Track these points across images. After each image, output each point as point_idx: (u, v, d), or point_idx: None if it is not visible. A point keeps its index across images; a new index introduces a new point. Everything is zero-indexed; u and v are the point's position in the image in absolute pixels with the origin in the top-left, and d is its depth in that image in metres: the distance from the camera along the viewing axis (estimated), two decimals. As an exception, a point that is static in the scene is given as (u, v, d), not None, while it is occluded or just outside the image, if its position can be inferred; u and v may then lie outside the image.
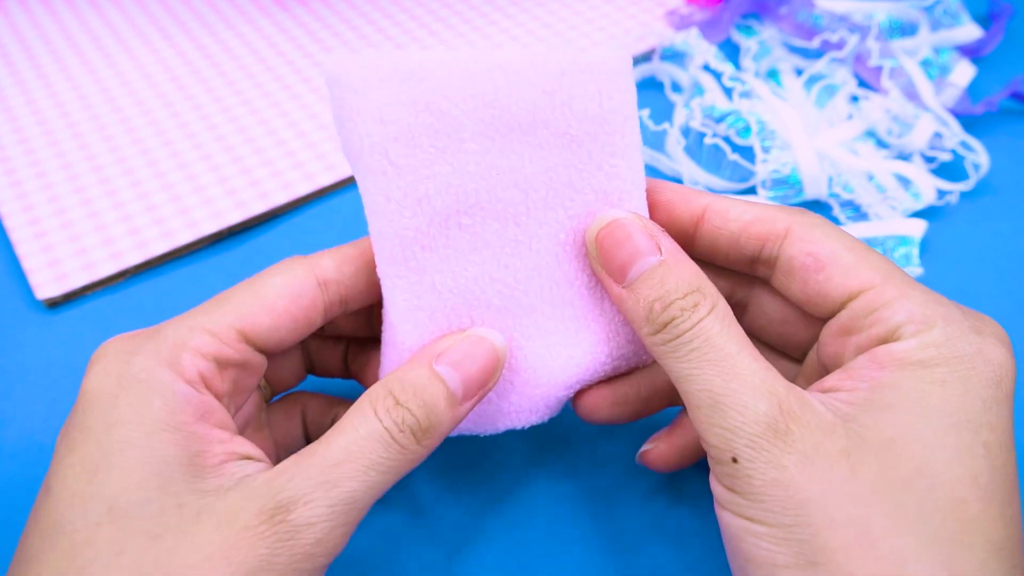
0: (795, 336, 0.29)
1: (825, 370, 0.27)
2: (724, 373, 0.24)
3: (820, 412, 0.23)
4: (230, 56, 0.51)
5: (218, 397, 0.26)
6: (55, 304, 0.39)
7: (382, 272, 0.27)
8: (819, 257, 0.26)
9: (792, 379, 0.29)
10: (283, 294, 0.26)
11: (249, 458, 0.25)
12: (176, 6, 0.55)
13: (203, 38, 0.53)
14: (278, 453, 0.30)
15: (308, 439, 0.31)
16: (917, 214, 0.44)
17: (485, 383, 0.26)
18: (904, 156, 0.46)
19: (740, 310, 0.30)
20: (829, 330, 0.27)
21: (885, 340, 0.25)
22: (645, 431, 0.32)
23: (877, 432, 0.23)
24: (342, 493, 0.23)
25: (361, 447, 0.24)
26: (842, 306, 0.26)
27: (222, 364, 0.26)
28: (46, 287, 0.38)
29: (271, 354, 0.28)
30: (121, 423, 0.24)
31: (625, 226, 0.26)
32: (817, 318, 0.28)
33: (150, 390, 0.24)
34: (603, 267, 0.27)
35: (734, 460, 0.23)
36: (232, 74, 0.50)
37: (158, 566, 0.22)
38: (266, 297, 0.26)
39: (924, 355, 0.24)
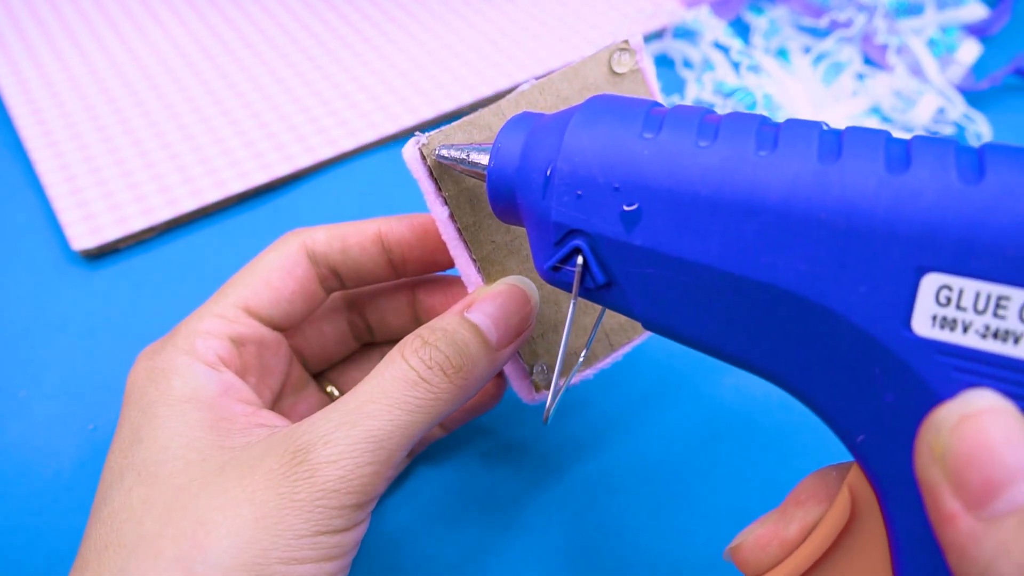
0: None
1: None
2: None
3: None
4: (256, 28, 0.53)
5: (242, 375, 0.28)
6: (91, 256, 0.41)
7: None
8: None
9: None
10: (276, 268, 0.29)
11: (276, 427, 0.26)
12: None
13: (228, 6, 0.55)
14: None
15: None
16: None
17: (520, 328, 0.27)
18: (908, 131, 0.47)
19: None
20: None
21: None
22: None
23: None
24: (363, 431, 0.23)
25: (384, 389, 0.24)
26: None
27: (237, 342, 0.28)
28: (82, 239, 0.40)
29: (284, 327, 0.30)
30: (150, 404, 0.26)
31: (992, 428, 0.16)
32: None
33: (172, 374, 0.26)
34: (950, 480, 0.16)
35: None
36: (259, 45, 0.52)
37: (185, 512, 0.23)
38: (262, 274, 0.29)
39: None
